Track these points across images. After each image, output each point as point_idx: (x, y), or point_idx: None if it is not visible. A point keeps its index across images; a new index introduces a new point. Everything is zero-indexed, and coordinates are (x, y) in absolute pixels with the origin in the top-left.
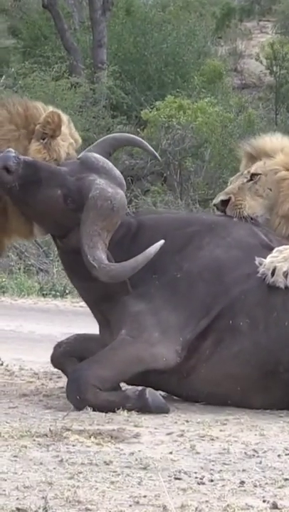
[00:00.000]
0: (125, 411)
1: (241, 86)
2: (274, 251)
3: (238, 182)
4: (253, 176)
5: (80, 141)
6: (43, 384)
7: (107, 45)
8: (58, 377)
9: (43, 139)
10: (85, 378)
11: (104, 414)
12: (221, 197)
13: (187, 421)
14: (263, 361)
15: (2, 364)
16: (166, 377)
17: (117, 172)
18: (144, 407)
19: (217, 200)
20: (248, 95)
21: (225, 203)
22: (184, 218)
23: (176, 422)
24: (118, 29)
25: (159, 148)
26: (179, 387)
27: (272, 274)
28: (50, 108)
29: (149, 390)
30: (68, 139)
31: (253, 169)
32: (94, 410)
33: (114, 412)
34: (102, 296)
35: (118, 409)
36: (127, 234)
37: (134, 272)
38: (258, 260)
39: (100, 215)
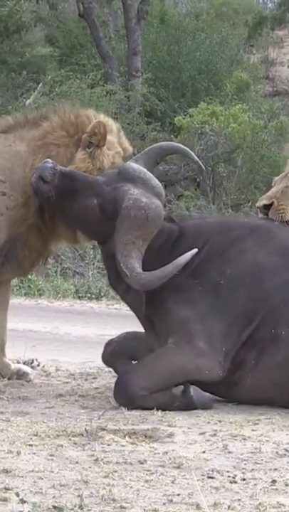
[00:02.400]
0: (159, 411)
1: (273, 93)
2: None
3: (282, 185)
4: None
5: (130, 149)
6: (78, 384)
7: (141, 53)
8: (93, 378)
9: (89, 148)
10: (132, 387)
11: (138, 414)
12: (263, 201)
13: (220, 421)
14: None
15: (39, 365)
16: (214, 388)
17: (156, 182)
18: (189, 405)
19: (260, 203)
20: (280, 102)
21: (267, 206)
22: (225, 223)
23: (208, 422)
24: (152, 37)
25: None
26: (226, 396)
27: None
28: (101, 117)
29: (193, 388)
30: (116, 147)
31: None
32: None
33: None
34: (145, 300)
35: (165, 409)
36: (168, 241)
37: (163, 281)
38: None
39: (134, 225)
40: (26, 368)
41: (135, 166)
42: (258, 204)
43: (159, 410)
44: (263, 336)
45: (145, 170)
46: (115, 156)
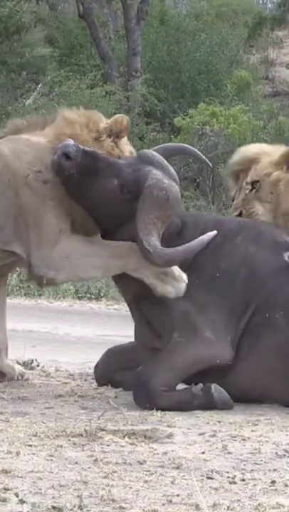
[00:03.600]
0: (158, 411)
1: (272, 93)
2: None
3: (241, 195)
4: (252, 184)
5: (133, 153)
6: (78, 385)
7: (141, 53)
8: (93, 379)
9: (110, 137)
10: (153, 385)
11: (138, 414)
12: (234, 213)
13: (219, 421)
14: None
15: (38, 365)
16: (206, 374)
17: (173, 170)
18: (210, 404)
19: (233, 215)
20: (279, 103)
21: (239, 215)
22: (216, 218)
23: (208, 423)
24: (152, 38)
25: None
26: (219, 382)
27: None
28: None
29: (214, 387)
30: (129, 146)
31: (249, 178)
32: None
33: (184, 411)
34: (142, 294)
35: (187, 408)
36: (175, 231)
37: (187, 256)
38: (287, 255)
39: (156, 204)
40: (22, 368)
41: (155, 153)
42: (232, 215)
43: (159, 411)
44: (258, 322)
45: (163, 158)
46: (128, 148)
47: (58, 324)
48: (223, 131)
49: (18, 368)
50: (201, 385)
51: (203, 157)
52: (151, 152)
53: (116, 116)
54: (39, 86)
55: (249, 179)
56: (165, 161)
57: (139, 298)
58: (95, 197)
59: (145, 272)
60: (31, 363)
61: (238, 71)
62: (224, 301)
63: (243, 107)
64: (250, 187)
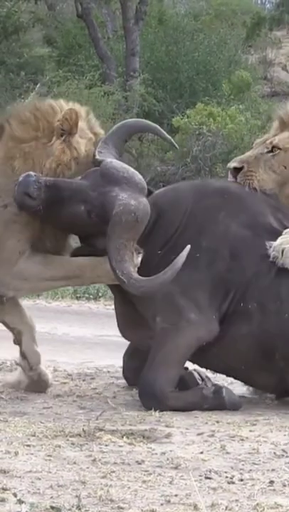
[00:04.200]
0: (157, 411)
1: (271, 94)
2: (284, 232)
3: (257, 151)
4: (273, 148)
5: (101, 133)
6: (76, 385)
7: (139, 53)
8: (91, 379)
9: (62, 136)
10: (159, 387)
11: (136, 414)
12: (234, 163)
13: (217, 421)
14: (264, 345)
15: None
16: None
17: (138, 177)
18: (220, 405)
19: (231, 165)
20: (278, 103)
21: (238, 170)
22: (196, 189)
23: (206, 423)
24: (151, 38)
25: (190, 154)
26: (192, 360)
27: (282, 255)
28: (63, 104)
29: (225, 389)
30: (87, 134)
31: (275, 141)
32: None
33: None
34: None
35: (195, 409)
36: (149, 222)
37: (163, 286)
38: (268, 244)
39: (125, 229)
40: (49, 377)
41: (117, 165)
42: (228, 165)
43: (157, 411)
44: (234, 309)
45: (126, 166)
46: (88, 143)
47: (56, 324)
48: (221, 131)
49: (44, 372)
50: (211, 387)
51: (167, 135)
52: (114, 167)
53: (65, 111)
54: (37, 86)
55: (275, 142)
56: (129, 171)
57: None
58: (63, 222)
59: (103, 279)
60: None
61: (239, 72)
62: (206, 282)
63: (240, 106)
64: (269, 148)
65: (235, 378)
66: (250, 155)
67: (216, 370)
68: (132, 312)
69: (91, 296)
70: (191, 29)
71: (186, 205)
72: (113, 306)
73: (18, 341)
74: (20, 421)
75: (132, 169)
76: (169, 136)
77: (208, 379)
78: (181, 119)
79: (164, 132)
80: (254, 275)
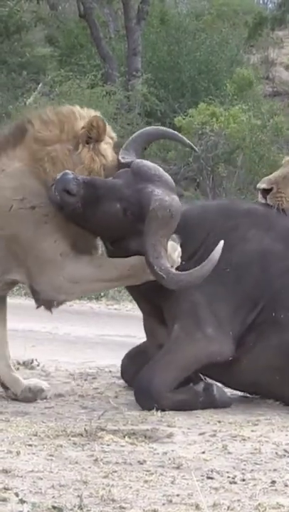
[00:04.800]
0: (159, 411)
1: (273, 93)
2: None
3: (286, 170)
4: None
5: (115, 137)
6: (78, 384)
7: (141, 53)
8: (93, 378)
9: (88, 143)
10: (155, 387)
11: (138, 414)
12: (264, 184)
13: (219, 421)
14: None
15: (38, 365)
16: (209, 367)
17: (167, 176)
18: (211, 403)
19: (260, 186)
20: (280, 102)
21: (267, 191)
22: (225, 209)
23: (208, 423)
24: (152, 38)
25: (192, 154)
26: (221, 376)
27: None
28: (85, 110)
29: (216, 387)
30: (107, 139)
31: None
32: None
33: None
34: (153, 287)
35: (191, 407)
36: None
37: (201, 279)
38: None
39: (161, 225)
40: (42, 384)
41: (149, 164)
42: (258, 186)
43: (159, 411)
44: (264, 319)
45: (156, 165)
46: (109, 149)
47: (57, 324)
48: (223, 130)
49: (36, 384)
50: (202, 384)
51: (187, 141)
52: (146, 165)
53: (91, 118)
54: (39, 86)
55: None
56: (160, 170)
57: (148, 289)
58: (98, 221)
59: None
60: (31, 363)
61: (240, 69)
62: (232, 295)
63: (243, 106)
64: None
65: (270, 396)
66: (279, 175)
67: (244, 386)
68: (157, 329)
69: (93, 296)
70: (193, 29)
71: (213, 223)
72: (114, 306)
73: None
74: (22, 421)
75: (161, 168)
76: (189, 141)
77: (198, 377)
78: (183, 118)
79: (184, 137)
80: (283, 287)
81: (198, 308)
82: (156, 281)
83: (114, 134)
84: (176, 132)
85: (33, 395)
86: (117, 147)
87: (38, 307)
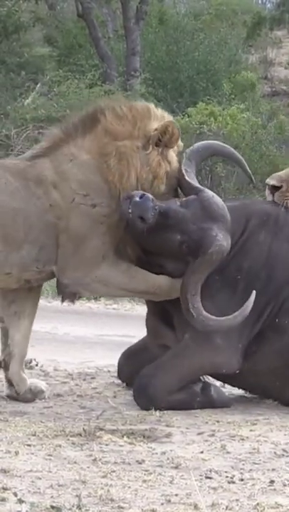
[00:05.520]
0: (157, 411)
1: (271, 93)
2: None
3: None
4: None
5: (181, 146)
6: (77, 384)
7: (140, 53)
8: (92, 378)
9: (158, 146)
10: (153, 388)
11: (136, 414)
12: (273, 181)
13: (218, 421)
14: None
15: (37, 365)
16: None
17: (228, 214)
18: (209, 403)
19: (270, 182)
20: (279, 102)
21: (276, 188)
22: (239, 210)
23: (207, 422)
24: (151, 38)
25: None
26: (224, 380)
27: None
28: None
29: (214, 387)
30: (175, 148)
31: None
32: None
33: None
34: None
35: (188, 407)
36: None
37: (229, 328)
38: None
39: (211, 267)
40: (41, 385)
41: (218, 201)
42: (267, 181)
43: (157, 410)
44: (268, 325)
45: (223, 203)
46: (175, 157)
47: (56, 324)
48: (222, 130)
49: (37, 384)
50: (201, 384)
51: (248, 169)
52: (216, 203)
53: (166, 123)
54: (38, 85)
55: None
56: (225, 209)
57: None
58: (152, 242)
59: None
60: (30, 363)
61: (245, 72)
62: (242, 305)
63: (241, 106)
64: None
65: (270, 397)
66: (288, 171)
67: (250, 388)
68: (160, 329)
69: (91, 296)
70: (192, 29)
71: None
72: (113, 306)
73: (5, 365)
74: (20, 420)
75: (225, 206)
76: (249, 171)
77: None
78: (182, 118)
79: (246, 165)
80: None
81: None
82: None
83: (181, 144)
84: (241, 158)
85: (32, 396)
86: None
87: (62, 300)
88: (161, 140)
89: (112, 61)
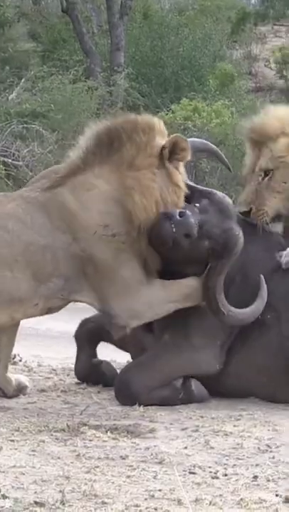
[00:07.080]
0: (141, 406)
1: (256, 89)
2: None
3: (253, 183)
4: (265, 172)
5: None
6: (60, 380)
7: (124, 48)
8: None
9: (171, 162)
10: (134, 386)
11: (120, 409)
12: (242, 208)
13: (202, 416)
14: (286, 353)
15: (21, 360)
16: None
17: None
18: (189, 399)
19: (240, 210)
20: (262, 98)
21: (247, 213)
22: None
23: (190, 418)
24: (135, 33)
25: None
26: (208, 380)
27: None
28: (156, 120)
29: (194, 383)
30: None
31: (263, 165)
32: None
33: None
34: None
35: (169, 403)
36: None
37: (255, 317)
38: (278, 254)
39: (231, 263)
40: (24, 380)
41: (227, 199)
42: (238, 210)
43: (141, 406)
44: (250, 323)
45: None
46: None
47: (40, 319)
48: (206, 126)
49: (20, 380)
50: (181, 380)
51: (226, 160)
52: (228, 202)
53: (173, 139)
54: (22, 81)
55: (263, 166)
56: (230, 202)
57: None
58: (183, 254)
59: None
60: (14, 358)
61: (221, 64)
62: None
63: (226, 102)
64: (262, 174)
65: (258, 396)
66: (250, 191)
67: (235, 389)
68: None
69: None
70: (176, 24)
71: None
72: None
73: None
74: (4, 416)
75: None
76: (227, 161)
77: None
78: (166, 114)
79: (223, 156)
80: (269, 289)
81: (188, 318)
82: None
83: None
84: (216, 148)
85: (16, 392)
86: None
87: (114, 335)
88: (173, 156)
89: (96, 56)
